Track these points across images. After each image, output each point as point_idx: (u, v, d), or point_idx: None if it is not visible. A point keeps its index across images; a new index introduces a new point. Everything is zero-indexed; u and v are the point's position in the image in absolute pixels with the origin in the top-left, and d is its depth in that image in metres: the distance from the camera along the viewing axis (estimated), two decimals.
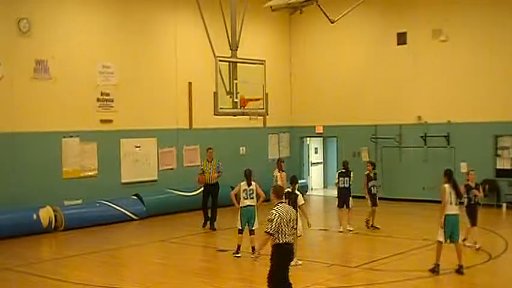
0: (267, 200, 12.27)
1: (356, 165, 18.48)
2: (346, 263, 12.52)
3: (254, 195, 13.15)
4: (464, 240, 13.01)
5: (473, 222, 13.33)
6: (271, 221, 8.56)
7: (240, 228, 13.13)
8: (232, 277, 11.75)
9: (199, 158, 20.69)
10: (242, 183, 13.23)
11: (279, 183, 15.32)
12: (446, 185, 11.45)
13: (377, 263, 12.29)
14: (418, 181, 21.02)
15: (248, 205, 13.09)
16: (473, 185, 13.37)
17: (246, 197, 13.13)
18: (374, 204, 16.05)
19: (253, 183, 13.24)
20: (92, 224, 16.95)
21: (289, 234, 8.65)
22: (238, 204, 13.25)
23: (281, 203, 8.88)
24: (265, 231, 8.66)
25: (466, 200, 13.28)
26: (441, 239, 11.37)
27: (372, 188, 16.09)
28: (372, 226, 15.99)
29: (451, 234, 11.37)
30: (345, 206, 16.01)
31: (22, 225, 15.66)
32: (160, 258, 13.66)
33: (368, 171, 16.23)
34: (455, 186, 11.47)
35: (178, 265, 12.80)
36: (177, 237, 15.62)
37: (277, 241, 8.60)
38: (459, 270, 11.35)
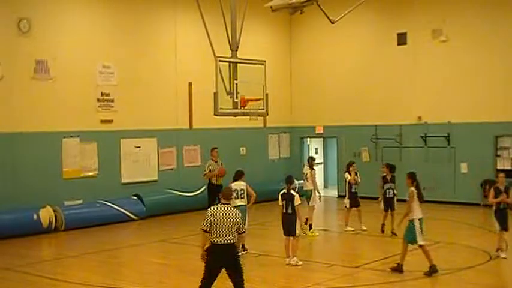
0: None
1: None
2: (346, 263, 12.51)
3: (245, 195, 13.30)
4: (497, 250, 12.74)
5: (503, 227, 12.80)
6: (205, 218, 8.77)
7: None
8: None
9: (200, 158, 20.71)
10: (232, 184, 13.38)
11: (309, 180, 15.65)
12: (414, 188, 11.58)
13: (377, 263, 12.29)
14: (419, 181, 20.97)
15: (239, 205, 13.12)
16: (502, 188, 12.86)
17: (236, 197, 13.24)
18: (388, 208, 15.32)
19: (243, 183, 13.39)
20: (92, 224, 16.96)
21: (221, 236, 8.66)
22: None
23: (225, 204, 8.93)
24: (200, 228, 8.85)
25: (495, 205, 12.79)
26: (423, 242, 11.43)
27: (388, 191, 15.37)
28: (392, 233, 14.99)
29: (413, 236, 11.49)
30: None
31: (22, 225, 15.67)
32: (160, 258, 13.66)
33: (384, 174, 15.61)
34: (418, 189, 11.62)
35: (178, 265, 12.80)
36: (177, 237, 15.62)
37: (210, 239, 8.74)
38: (397, 268, 11.47)
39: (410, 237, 11.50)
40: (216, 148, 16.76)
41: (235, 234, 8.80)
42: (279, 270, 12.08)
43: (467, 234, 15.92)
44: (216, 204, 15.89)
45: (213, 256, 8.75)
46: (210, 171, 16.32)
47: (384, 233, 15.34)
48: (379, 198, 15.73)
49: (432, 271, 11.30)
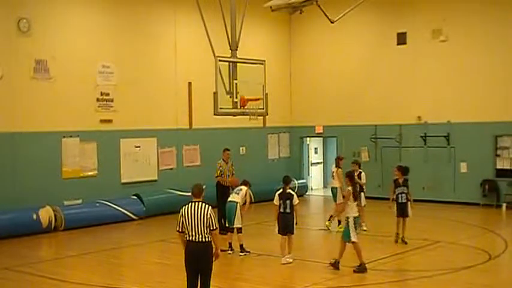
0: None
1: None
2: (346, 263, 12.50)
3: (240, 193, 13.67)
4: None
5: None
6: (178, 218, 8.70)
7: (226, 225, 13.80)
8: (232, 277, 11.74)
9: (199, 158, 20.73)
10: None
11: (336, 178, 16.05)
12: (350, 188, 11.81)
13: (377, 263, 12.29)
14: (418, 181, 20.93)
15: (230, 200, 13.69)
16: None
17: (231, 193, 14.08)
18: (402, 214, 14.11)
19: (244, 187, 13.79)
20: (91, 224, 16.96)
21: (191, 234, 8.55)
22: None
23: (195, 201, 8.67)
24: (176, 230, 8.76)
25: None
26: (356, 239, 11.72)
27: (400, 196, 14.08)
28: (402, 240, 14.12)
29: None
30: None
31: (22, 225, 15.67)
32: (160, 258, 13.66)
33: (397, 177, 14.34)
34: (354, 189, 11.85)
35: (178, 265, 12.69)
36: (176, 237, 15.39)
37: (186, 238, 8.67)
38: (361, 269, 11.58)
39: (346, 236, 11.77)
40: (228, 150, 16.39)
41: (210, 232, 8.51)
42: (278, 270, 12.08)
43: (467, 234, 15.91)
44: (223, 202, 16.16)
45: (186, 254, 8.68)
46: (221, 171, 16.22)
47: (397, 243, 14.13)
48: (390, 204, 14.63)
49: (361, 269, 11.54)
